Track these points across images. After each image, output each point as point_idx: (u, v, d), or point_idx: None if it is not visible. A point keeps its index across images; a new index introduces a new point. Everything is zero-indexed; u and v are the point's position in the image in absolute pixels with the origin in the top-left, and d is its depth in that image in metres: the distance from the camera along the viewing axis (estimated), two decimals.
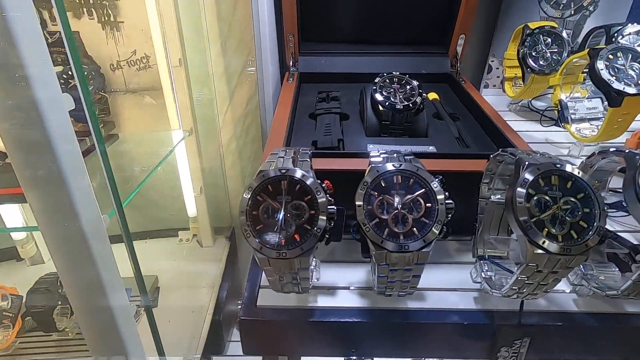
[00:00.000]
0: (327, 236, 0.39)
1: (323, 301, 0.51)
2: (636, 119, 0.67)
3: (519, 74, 0.89)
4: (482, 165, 0.52)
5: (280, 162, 0.42)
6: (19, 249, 0.95)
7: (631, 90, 0.62)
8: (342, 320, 0.49)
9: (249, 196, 0.39)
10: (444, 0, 0.88)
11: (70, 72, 0.48)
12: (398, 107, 0.65)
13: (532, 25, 0.85)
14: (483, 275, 0.51)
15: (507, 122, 0.68)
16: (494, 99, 1.03)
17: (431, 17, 0.91)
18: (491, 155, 0.49)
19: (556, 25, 0.85)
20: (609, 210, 0.42)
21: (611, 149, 0.46)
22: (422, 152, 0.59)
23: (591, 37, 0.86)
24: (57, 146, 0.41)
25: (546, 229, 0.39)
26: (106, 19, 0.84)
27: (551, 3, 0.88)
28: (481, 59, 1.08)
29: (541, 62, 0.83)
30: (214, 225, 1.12)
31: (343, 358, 0.82)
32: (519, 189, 0.40)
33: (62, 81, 0.57)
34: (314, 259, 0.51)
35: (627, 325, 0.50)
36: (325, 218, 0.39)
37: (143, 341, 0.59)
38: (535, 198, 0.40)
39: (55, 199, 0.44)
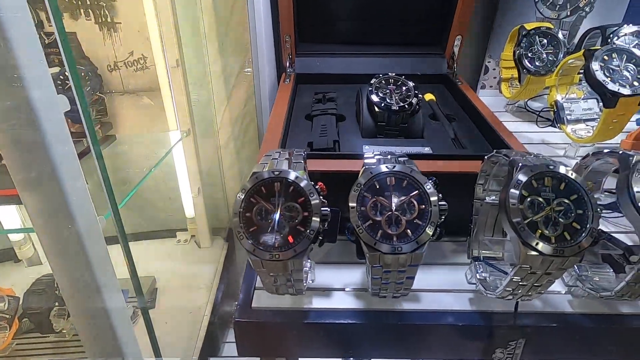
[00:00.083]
0: (320, 238, 0.39)
1: (318, 303, 0.51)
2: (631, 119, 0.67)
3: (516, 75, 0.89)
4: (477, 167, 0.52)
5: (274, 164, 0.42)
6: (17, 250, 0.95)
7: (626, 91, 0.62)
8: (337, 321, 0.49)
9: (242, 198, 0.39)
10: (440, 1, 0.88)
11: (67, 74, 0.48)
12: (394, 108, 0.65)
13: (528, 26, 0.86)
14: (478, 277, 0.51)
15: (504, 123, 0.68)
16: (490, 99, 1.03)
17: (427, 18, 0.91)
18: (485, 157, 0.49)
19: (552, 26, 0.85)
20: (603, 212, 0.42)
21: (605, 150, 0.47)
22: (417, 153, 0.60)
23: (587, 38, 0.86)
24: (52, 147, 0.41)
25: (539, 231, 0.39)
26: (103, 19, 0.84)
27: (547, 4, 0.88)
28: (478, 59, 1.08)
29: (537, 63, 0.84)
30: (212, 226, 1.12)
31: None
32: (512, 191, 0.40)
33: (58, 82, 0.57)
34: (309, 261, 0.51)
35: (622, 326, 0.50)
36: (318, 220, 0.39)
37: (140, 343, 0.59)
38: (528, 199, 0.40)
39: (50, 200, 0.44)
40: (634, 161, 0.42)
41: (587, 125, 0.77)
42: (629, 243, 0.47)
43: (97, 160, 0.51)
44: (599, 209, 0.40)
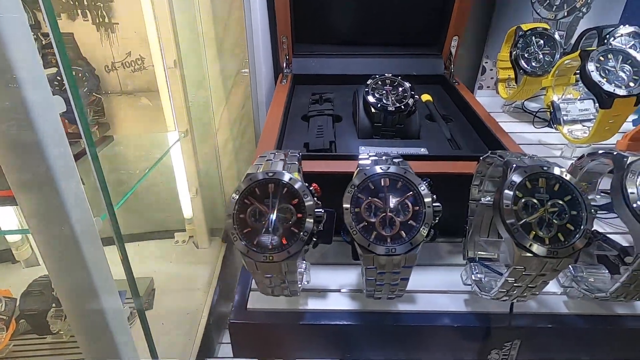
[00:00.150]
0: (314, 239, 0.39)
1: (314, 304, 0.51)
2: (627, 120, 0.67)
3: (512, 76, 0.89)
4: (472, 167, 0.52)
5: (269, 165, 0.42)
6: (14, 251, 0.95)
7: (621, 92, 0.62)
8: (332, 323, 0.49)
9: (236, 199, 0.39)
10: (437, 1, 0.88)
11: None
12: (390, 109, 0.65)
13: (525, 27, 0.86)
14: (473, 278, 0.51)
15: (501, 123, 0.68)
16: (488, 100, 1.03)
17: (424, 18, 0.91)
18: (481, 158, 0.49)
19: (548, 27, 0.85)
20: (599, 212, 0.42)
21: (600, 151, 0.47)
22: (413, 154, 0.60)
23: (584, 38, 0.86)
24: (48, 149, 0.41)
25: (533, 232, 0.39)
26: (101, 20, 0.84)
27: (544, 4, 0.89)
28: (475, 60, 1.08)
29: (533, 64, 0.84)
30: (210, 227, 1.12)
31: None
32: (506, 192, 0.40)
33: (55, 83, 0.57)
34: (304, 262, 0.51)
35: (618, 327, 0.50)
36: (312, 221, 0.39)
37: (138, 344, 0.59)
38: (522, 201, 0.40)
39: (46, 201, 0.44)
40: (628, 162, 0.42)
41: (583, 126, 0.77)
42: (625, 244, 0.47)
43: (92, 161, 0.51)
44: (593, 210, 0.40)
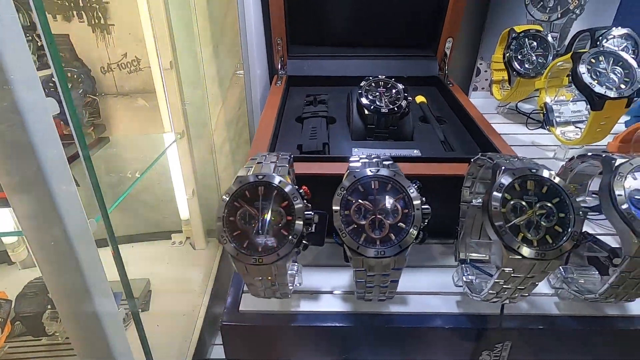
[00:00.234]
0: (304, 242, 0.40)
1: (306, 306, 0.51)
2: (619, 122, 0.68)
3: (506, 77, 0.89)
4: (464, 169, 0.52)
5: (260, 168, 0.42)
6: (10, 253, 0.95)
7: (612, 94, 0.62)
8: (325, 324, 0.49)
9: (226, 202, 0.39)
10: (431, 3, 0.89)
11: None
12: (383, 110, 0.66)
13: (518, 28, 0.86)
14: (464, 279, 0.51)
15: (495, 125, 0.68)
16: (482, 101, 1.03)
17: (419, 20, 0.91)
18: (472, 160, 0.50)
19: (541, 29, 0.86)
20: (590, 214, 0.42)
21: (589, 153, 0.47)
22: (406, 156, 0.60)
23: (577, 40, 0.87)
24: (41, 150, 0.41)
25: (522, 234, 0.40)
26: (96, 21, 0.84)
27: (538, 6, 0.89)
28: (470, 62, 1.09)
29: (527, 66, 0.84)
30: (207, 228, 1.12)
31: None
32: (494, 194, 0.40)
33: (51, 84, 0.57)
34: (296, 264, 0.51)
35: (608, 328, 0.50)
36: (302, 224, 0.39)
37: (133, 346, 0.59)
38: (511, 203, 0.40)
39: (39, 203, 0.44)
40: (616, 164, 0.43)
41: (576, 127, 0.78)
42: (615, 245, 0.47)
43: (85, 163, 0.51)
44: (581, 212, 0.40)
